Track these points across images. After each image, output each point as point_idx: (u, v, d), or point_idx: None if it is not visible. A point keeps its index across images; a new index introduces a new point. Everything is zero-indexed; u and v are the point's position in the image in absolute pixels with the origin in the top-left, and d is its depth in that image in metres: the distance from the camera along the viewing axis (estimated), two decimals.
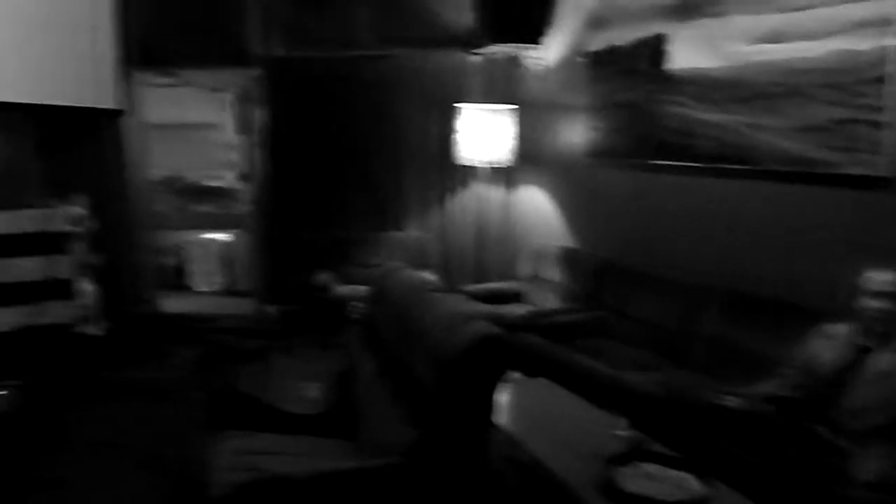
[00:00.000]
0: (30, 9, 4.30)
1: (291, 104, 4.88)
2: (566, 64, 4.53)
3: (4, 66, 4.21)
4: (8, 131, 4.73)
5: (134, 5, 4.90)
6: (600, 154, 4.20)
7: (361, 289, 3.41)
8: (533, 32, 4.77)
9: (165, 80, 5.13)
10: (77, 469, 2.94)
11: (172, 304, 5.49)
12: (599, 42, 4.17)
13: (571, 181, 4.52)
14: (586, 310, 3.80)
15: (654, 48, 3.71)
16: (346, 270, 4.54)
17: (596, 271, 3.96)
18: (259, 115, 5.02)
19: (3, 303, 4.15)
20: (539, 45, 4.76)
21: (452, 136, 4.74)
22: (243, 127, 6.25)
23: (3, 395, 3.56)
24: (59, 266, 4.42)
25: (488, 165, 4.67)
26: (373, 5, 4.94)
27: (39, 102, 4.47)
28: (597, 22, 4.22)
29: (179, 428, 3.13)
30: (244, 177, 6.12)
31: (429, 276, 3.35)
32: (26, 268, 4.24)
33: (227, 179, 6.73)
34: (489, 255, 4.99)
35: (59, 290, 4.41)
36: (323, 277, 4.39)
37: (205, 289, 6.20)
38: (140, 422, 3.38)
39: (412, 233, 4.96)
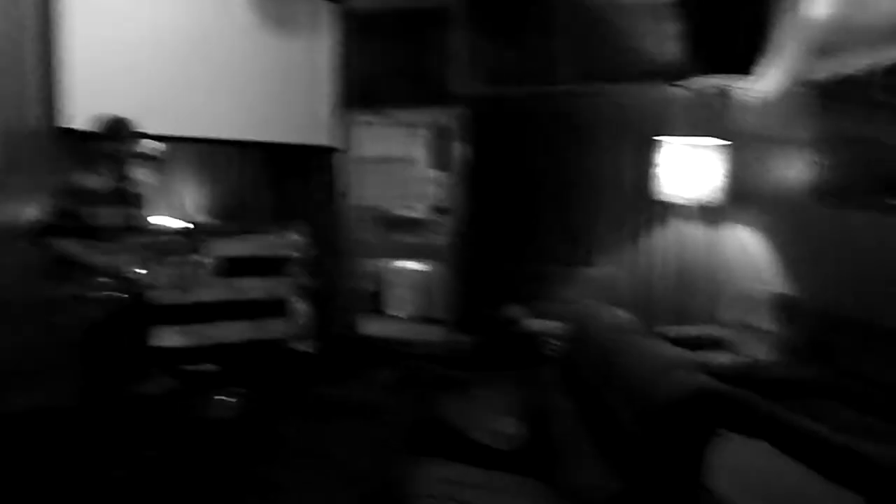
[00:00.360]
0: (264, 59, 4.91)
1: (490, 139, 5.03)
2: (783, 95, 4.18)
3: (244, 109, 4.84)
4: (245, 166, 5.41)
5: (351, 52, 5.39)
6: (826, 193, 3.79)
7: (555, 324, 3.38)
8: (744, 62, 4.47)
9: (375, 119, 5.54)
10: (289, 477, 3.20)
11: (372, 327, 5.86)
12: (825, 70, 3.80)
13: (790, 222, 4.12)
14: (807, 365, 3.41)
15: (894, 76, 3.30)
16: (538, 304, 4.53)
17: (820, 322, 3.55)
18: (459, 151, 5.23)
19: (234, 317, 4.69)
20: (751, 76, 4.45)
21: (653, 172, 4.58)
22: (439, 162, 6.57)
23: (231, 401, 4.01)
24: (280, 287, 4.92)
25: (691, 202, 4.43)
26: (573, 40, 4.96)
27: (270, 141, 5.07)
28: (822, 49, 3.85)
29: (381, 448, 3.30)
30: (439, 209, 6.40)
31: (626, 315, 3.22)
32: (254, 287, 4.76)
33: (422, 211, 7.08)
34: (687, 296, 4.71)
35: (279, 309, 4.89)
36: (514, 310, 4.42)
37: (401, 314, 6.53)
38: (344, 438, 3.61)
39: (604, 269, 4.84)
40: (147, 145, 3.76)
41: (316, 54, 5.14)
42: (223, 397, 3.94)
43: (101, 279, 2.93)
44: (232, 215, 5.36)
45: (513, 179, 4.99)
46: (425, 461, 2.40)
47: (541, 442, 2.55)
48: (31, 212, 3.69)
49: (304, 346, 4.97)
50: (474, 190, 5.10)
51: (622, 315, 2.84)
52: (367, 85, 5.49)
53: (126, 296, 3.02)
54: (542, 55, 5.02)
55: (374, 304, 6.59)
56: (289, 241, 4.93)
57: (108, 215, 3.01)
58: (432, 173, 6.95)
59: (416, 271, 6.51)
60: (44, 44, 3.92)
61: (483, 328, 4.78)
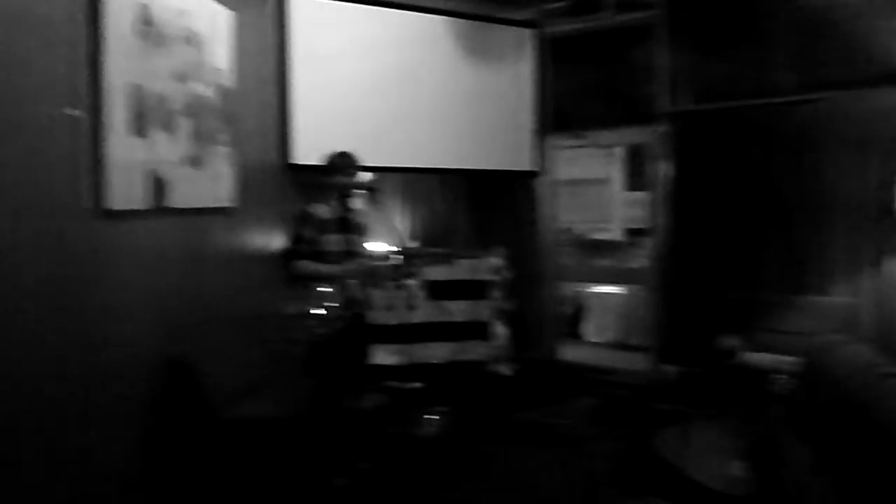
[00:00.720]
0: (467, 89, 5.09)
1: (697, 157, 4.74)
2: None
3: (447, 138, 5.05)
4: (448, 193, 5.64)
5: (548, 76, 5.40)
6: None
7: (785, 359, 3.05)
8: None
9: (571, 142, 5.49)
10: (491, 499, 3.21)
11: (570, 352, 5.76)
12: None
13: None
14: None
15: None
16: (756, 335, 4.14)
17: None
18: (660, 170, 5.00)
19: (439, 339, 4.88)
20: None
21: (894, 187, 4.01)
22: (637, 182, 6.33)
23: (435, 419, 4.14)
24: (480, 310, 5.02)
25: None
26: (791, 47, 4.53)
27: (472, 168, 5.23)
28: None
29: (586, 479, 3.20)
30: (638, 231, 6.15)
31: (870, 351, 2.82)
32: (457, 310, 4.91)
33: (620, 233, 6.87)
34: None
35: (479, 331, 4.99)
36: (729, 341, 4.08)
37: (600, 340, 6.35)
38: (546, 465, 3.55)
39: (839, 298, 4.29)
40: (364, 176, 4.07)
41: (516, 81, 5.23)
42: (428, 415, 4.08)
43: (330, 299, 3.20)
44: (436, 241, 5.61)
45: (723, 198, 4.64)
46: (638, 499, 2.28)
47: (771, 489, 2.30)
48: (271, 238, 4.18)
49: (502, 369, 5.02)
50: (678, 210, 4.83)
51: (866, 351, 2.50)
52: (563, 108, 5.48)
53: (349, 315, 3.26)
54: (757, 65, 4.65)
55: (572, 328, 6.48)
56: (489, 265, 5.03)
57: (334, 241, 3.28)
58: (630, 194, 6.73)
59: (616, 295, 6.31)
60: (279, 88, 4.43)
61: (693, 358, 4.48)
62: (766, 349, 3.91)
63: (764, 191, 4.52)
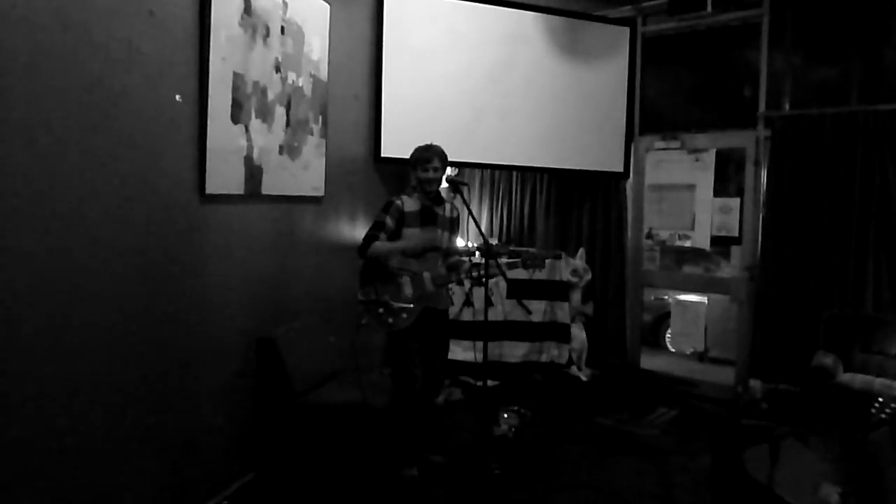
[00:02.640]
0: (558, 86, 5.01)
1: (797, 164, 4.48)
2: None
3: (535, 136, 4.99)
4: (534, 191, 5.58)
5: (643, 76, 5.25)
6: None
7: (891, 384, 2.85)
8: None
9: (663, 144, 5.31)
10: (560, 503, 3.15)
11: (648, 360, 5.59)
12: None
13: None
14: None
15: None
16: (856, 356, 3.88)
17: None
18: (756, 176, 4.77)
19: (515, 338, 4.84)
20: None
21: None
22: (730, 188, 6.06)
23: (509, 418, 4.10)
24: (559, 311, 4.94)
25: None
26: None
27: (559, 167, 5.15)
28: None
29: (667, 490, 3.09)
30: (726, 240, 5.88)
31: None
32: (535, 310, 4.85)
33: (705, 241, 6.60)
34: None
35: (557, 332, 4.92)
36: (825, 360, 3.84)
37: (680, 350, 6.14)
38: (625, 473, 3.45)
39: None
40: (450, 172, 4.07)
41: (609, 80, 5.11)
42: (505, 414, 4.05)
43: (407, 292, 3.23)
44: (520, 239, 5.57)
45: (823, 208, 4.37)
46: None
47: None
48: (358, 228, 4.26)
49: (579, 373, 4.92)
50: (773, 219, 4.58)
51: None
52: (655, 109, 5.32)
53: (423, 308, 3.27)
54: (866, 68, 4.37)
55: (654, 336, 6.29)
56: (570, 266, 4.94)
57: (415, 235, 3.30)
58: (721, 201, 6.45)
59: (701, 305, 6.07)
60: (373, 81, 4.50)
61: (784, 375, 4.25)
62: (867, 370, 3.66)
63: (868, 201, 4.22)
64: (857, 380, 3.59)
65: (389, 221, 3.24)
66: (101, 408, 2.38)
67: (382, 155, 4.53)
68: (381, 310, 3.20)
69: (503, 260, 3.18)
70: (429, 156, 3.33)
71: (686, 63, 5.60)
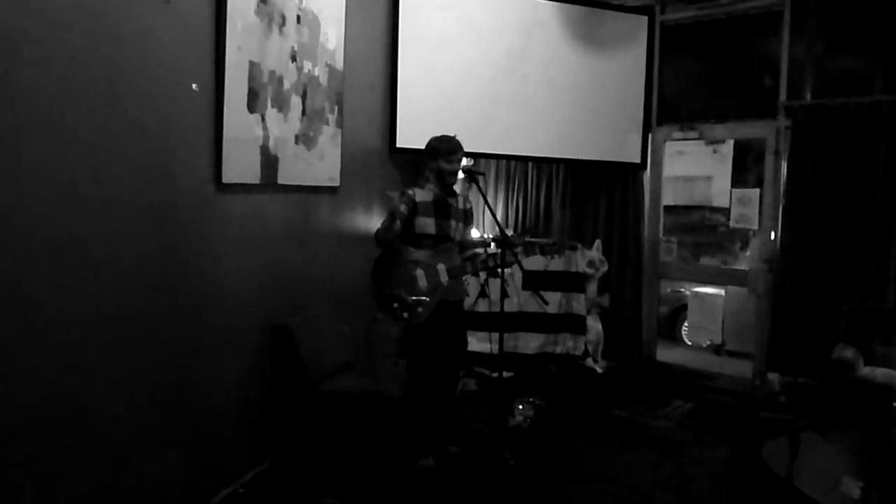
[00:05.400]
0: (575, 77, 4.96)
1: (817, 155, 4.41)
2: None
3: (551, 126, 4.95)
4: (549, 182, 5.54)
5: (661, 66, 5.18)
6: None
7: None
8: None
9: (680, 134, 5.24)
10: (582, 494, 3.13)
11: (665, 353, 5.54)
12: None
13: None
14: None
15: None
16: (878, 349, 3.83)
17: None
18: (775, 167, 4.70)
19: (531, 329, 4.82)
20: None
21: None
22: (748, 179, 5.98)
23: (526, 410, 4.10)
24: (575, 303, 4.91)
25: None
26: None
27: (575, 158, 5.11)
28: None
29: (684, 483, 3.07)
30: (747, 230, 5.82)
31: None
32: (551, 302, 4.82)
33: (726, 232, 6.54)
34: None
35: (573, 324, 4.89)
36: (846, 353, 3.79)
37: (697, 342, 6.09)
38: (641, 466, 3.44)
39: None
40: (466, 163, 4.05)
41: (626, 70, 5.05)
42: (520, 405, 4.04)
43: (421, 283, 3.21)
44: (534, 230, 5.54)
45: (844, 199, 4.30)
46: None
47: None
48: (373, 218, 4.25)
49: (595, 365, 4.89)
50: (793, 210, 4.51)
51: None
52: (673, 99, 5.25)
53: (437, 300, 3.26)
54: (889, 58, 4.29)
55: (670, 329, 6.24)
56: (586, 258, 4.90)
57: (430, 225, 3.28)
58: (739, 192, 6.38)
59: (718, 297, 6.02)
60: (388, 71, 4.49)
61: (803, 368, 4.20)
62: (888, 364, 3.61)
63: (891, 193, 4.15)
64: (878, 373, 3.54)
65: (403, 208, 3.23)
66: (118, 396, 2.40)
67: (398, 145, 4.52)
68: (395, 304, 3.19)
69: (519, 249, 3.16)
70: (453, 147, 3.31)
71: (705, 52, 5.52)
